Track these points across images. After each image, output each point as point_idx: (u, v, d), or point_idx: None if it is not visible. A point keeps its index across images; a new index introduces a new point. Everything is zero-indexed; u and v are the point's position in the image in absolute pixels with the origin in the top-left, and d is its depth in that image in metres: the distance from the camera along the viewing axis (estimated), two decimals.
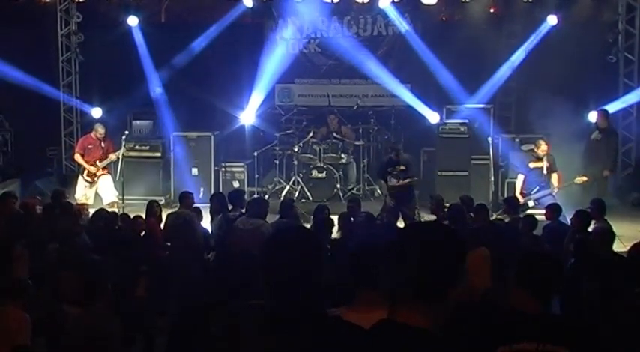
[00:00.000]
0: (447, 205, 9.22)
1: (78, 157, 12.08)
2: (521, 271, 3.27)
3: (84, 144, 12.13)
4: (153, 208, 9.11)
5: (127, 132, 12.45)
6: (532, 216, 8.83)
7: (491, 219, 10.19)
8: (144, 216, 8.95)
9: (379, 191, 13.13)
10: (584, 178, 10.78)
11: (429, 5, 13.89)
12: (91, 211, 9.56)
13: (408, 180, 10.66)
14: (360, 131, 13.44)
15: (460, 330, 2.90)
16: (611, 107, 12.68)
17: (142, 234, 8.43)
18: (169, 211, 9.63)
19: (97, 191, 11.99)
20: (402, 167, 10.74)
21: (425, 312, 2.07)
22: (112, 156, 11.93)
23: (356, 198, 10.93)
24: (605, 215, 8.48)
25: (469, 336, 3.09)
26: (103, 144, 12.01)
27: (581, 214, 7.99)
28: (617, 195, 11.54)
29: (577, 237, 7.59)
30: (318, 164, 12.91)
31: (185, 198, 9.44)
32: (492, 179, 12.32)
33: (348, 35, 14.49)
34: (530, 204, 10.76)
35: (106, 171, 12.06)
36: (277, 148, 13.28)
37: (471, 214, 8.82)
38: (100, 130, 11.99)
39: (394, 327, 2.06)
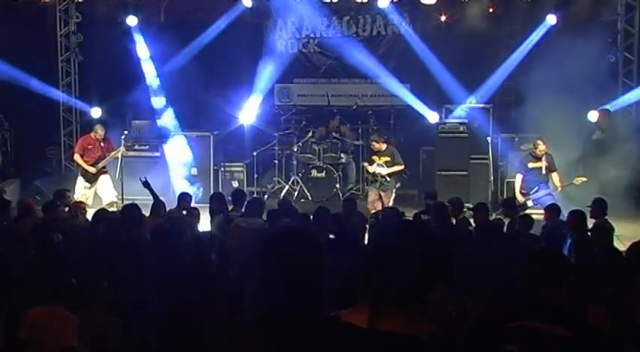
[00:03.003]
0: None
1: (77, 158, 12.06)
2: (530, 269, 3.57)
3: (83, 145, 12.11)
4: (159, 208, 9.10)
5: (126, 131, 12.44)
6: (528, 215, 8.82)
7: (491, 218, 10.22)
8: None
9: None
10: (584, 179, 10.76)
11: (428, 5, 13.89)
12: (89, 210, 9.53)
13: (396, 169, 11.05)
14: (360, 131, 13.43)
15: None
16: (611, 106, 12.68)
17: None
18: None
19: (96, 191, 11.98)
20: (387, 158, 10.90)
21: (407, 319, 2.07)
22: (110, 156, 11.92)
23: (351, 198, 10.95)
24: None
25: (483, 314, 3.50)
26: (102, 145, 12.00)
27: (576, 214, 7.97)
28: (617, 195, 11.52)
29: (575, 237, 7.59)
30: (318, 164, 12.91)
31: (181, 200, 9.46)
32: (492, 179, 12.32)
33: (348, 35, 14.50)
34: (530, 203, 10.76)
35: (105, 171, 12.05)
36: (276, 148, 13.28)
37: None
38: (99, 131, 11.97)
39: (380, 337, 2.06)
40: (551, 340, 3.25)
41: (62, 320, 5.03)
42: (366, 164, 11.48)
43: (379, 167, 11.04)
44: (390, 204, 10.95)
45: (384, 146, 11.19)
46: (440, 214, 8.51)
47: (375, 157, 11.15)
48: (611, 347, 3.66)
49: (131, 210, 8.05)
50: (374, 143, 11.21)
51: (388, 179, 11.06)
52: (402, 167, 11.28)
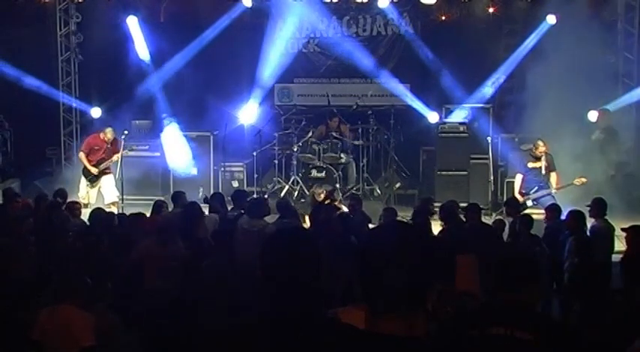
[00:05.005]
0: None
1: (82, 156, 12.07)
2: (497, 273, 3.58)
3: (90, 144, 12.10)
4: (161, 207, 9.10)
5: (126, 131, 12.43)
6: (529, 215, 8.81)
7: (491, 218, 10.23)
8: (148, 214, 8.98)
9: (378, 190, 13.15)
10: (584, 180, 10.76)
11: (428, 5, 13.90)
12: (88, 210, 9.50)
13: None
14: (360, 131, 13.42)
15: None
16: (611, 107, 12.68)
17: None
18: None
19: (100, 190, 12.00)
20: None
21: (406, 319, 2.07)
22: (114, 158, 11.94)
23: (357, 197, 10.95)
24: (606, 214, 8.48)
25: (445, 324, 3.44)
26: (109, 147, 12.00)
27: (574, 214, 7.97)
28: (617, 195, 11.53)
29: (575, 237, 7.58)
30: (318, 164, 12.89)
31: (179, 198, 9.43)
32: (491, 178, 12.32)
33: (348, 35, 14.50)
34: (529, 203, 10.76)
35: (108, 171, 12.06)
36: (276, 148, 13.27)
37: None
38: (108, 135, 11.98)
39: (379, 338, 2.06)
40: (514, 345, 3.23)
41: (77, 319, 4.95)
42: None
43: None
44: None
45: (323, 196, 11.47)
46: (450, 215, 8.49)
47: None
48: (582, 347, 3.62)
49: (191, 208, 8.14)
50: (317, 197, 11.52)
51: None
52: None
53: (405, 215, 9.77)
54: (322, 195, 11.49)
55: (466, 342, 3.25)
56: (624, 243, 7.57)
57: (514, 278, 3.45)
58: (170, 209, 9.41)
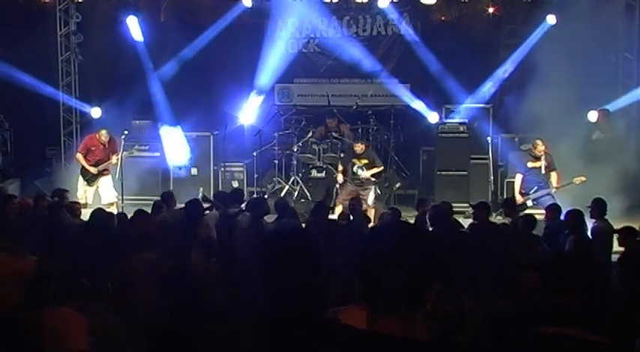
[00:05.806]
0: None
1: (79, 157, 12.06)
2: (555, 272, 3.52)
3: (87, 145, 12.09)
4: (160, 208, 9.09)
5: (126, 131, 12.43)
6: (531, 215, 8.82)
7: (491, 219, 10.22)
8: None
9: (378, 191, 13.13)
10: (583, 178, 10.77)
11: (428, 5, 13.90)
12: (88, 210, 9.50)
13: (375, 170, 11.59)
14: (360, 131, 13.43)
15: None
16: (611, 107, 12.69)
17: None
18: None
19: (98, 190, 11.99)
20: (366, 161, 11.57)
21: (406, 320, 2.07)
22: (113, 160, 11.93)
23: (357, 197, 10.96)
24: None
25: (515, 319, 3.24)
26: (106, 147, 11.99)
27: (573, 213, 7.97)
28: (617, 195, 11.53)
29: (575, 237, 7.59)
30: (318, 164, 12.90)
31: (170, 198, 9.41)
32: (492, 178, 12.33)
33: (348, 35, 14.50)
34: (529, 203, 10.76)
35: (106, 172, 12.06)
36: (276, 148, 13.28)
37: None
38: (102, 138, 11.96)
39: (379, 338, 2.06)
40: (587, 349, 3.10)
41: (75, 322, 4.93)
42: (339, 170, 11.89)
43: (359, 169, 11.50)
44: (370, 201, 11.37)
45: (362, 147, 11.61)
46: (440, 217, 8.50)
47: (355, 160, 11.60)
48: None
49: (194, 206, 8.09)
50: (355, 147, 11.63)
51: (373, 179, 11.53)
52: (381, 168, 11.80)
53: (406, 215, 9.80)
54: (361, 147, 11.53)
55: (532, 341, 3.16)
56: None
57: (573, 279, 3.41)
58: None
